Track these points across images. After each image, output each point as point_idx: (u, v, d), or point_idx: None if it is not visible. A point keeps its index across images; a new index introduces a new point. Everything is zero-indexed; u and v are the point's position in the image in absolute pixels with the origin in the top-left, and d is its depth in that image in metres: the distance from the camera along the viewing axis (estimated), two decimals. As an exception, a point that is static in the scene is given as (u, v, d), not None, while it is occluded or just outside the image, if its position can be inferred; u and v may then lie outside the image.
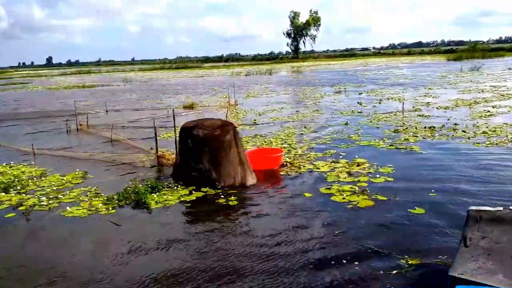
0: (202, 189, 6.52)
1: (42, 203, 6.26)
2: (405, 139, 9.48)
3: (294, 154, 8.51)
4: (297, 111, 15.49)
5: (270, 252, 4.43)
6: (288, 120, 13.35)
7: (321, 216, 5.29)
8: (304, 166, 7.59)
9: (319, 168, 7.42)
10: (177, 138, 7.45)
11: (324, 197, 5.99)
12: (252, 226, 5.12)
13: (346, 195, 5.95)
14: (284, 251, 4.41)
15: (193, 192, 6.46)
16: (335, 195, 6.01)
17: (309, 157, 8.26)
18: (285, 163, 7.82)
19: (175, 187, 6.66)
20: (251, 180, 6.78)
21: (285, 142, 9.83)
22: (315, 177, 6.99)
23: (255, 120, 13.63)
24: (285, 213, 5.49)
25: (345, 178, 6.80)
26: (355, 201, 5.73)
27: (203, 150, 6.73)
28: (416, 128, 10.72)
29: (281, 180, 7.00)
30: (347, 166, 7.45)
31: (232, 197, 6.14)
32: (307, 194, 6.14)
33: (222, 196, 6.21)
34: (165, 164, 8.05)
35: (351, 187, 6.29)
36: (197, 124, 6.89)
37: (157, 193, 6.40)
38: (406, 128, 10.70)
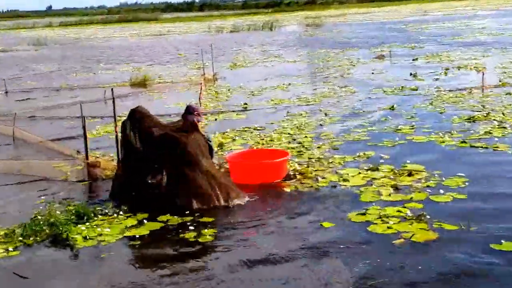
0: (160, 217, 6.51)
1: None
2: (485, 131, 9.50)
3: (309, 158, 8.52)
4: (314, 88, 15.49)
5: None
6: (299, 103, 13.35)
7: (350, 260, 5.25)
8: (324, 178, 7.59)
9: (348, 180, 7.42)
10: (119, 135, 7.43)
11: (355, 228, 5.98)
12: (236, 284, 5.06)
13: (393, 224, 5.94)
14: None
15: (145, 221, 6.44)
16: (374, 224, 6.00)
17: (332, 162, 8.27)
18: (293, 172, 7.82)
19: (116, 214, 6.65)
20: (237, 199, 6.83)
21: (294, 139, 9.84)
22: (341, 195, 6.98)
23: (246, 104, 13.65)
24: (291, 256, 5.44)
25: (389, 195, 6.80)
26: (407, 232, 5.72)
27: (161, 156, 6.80)
28: (503, 114, 10.75)
29: (286, 201, 7.00)
30: (392, 177, 7.46)
31: (206, 230, 6.13)
32: (327, 224, 6.11)
33: (191, 228, 6.20)
34: (99, 176, 8.09)
35: (399, 211, 6.28)
36: (151, 116, 7.08)
37: (87, 223, 6.39)
38: (488, 114, 10.72)
